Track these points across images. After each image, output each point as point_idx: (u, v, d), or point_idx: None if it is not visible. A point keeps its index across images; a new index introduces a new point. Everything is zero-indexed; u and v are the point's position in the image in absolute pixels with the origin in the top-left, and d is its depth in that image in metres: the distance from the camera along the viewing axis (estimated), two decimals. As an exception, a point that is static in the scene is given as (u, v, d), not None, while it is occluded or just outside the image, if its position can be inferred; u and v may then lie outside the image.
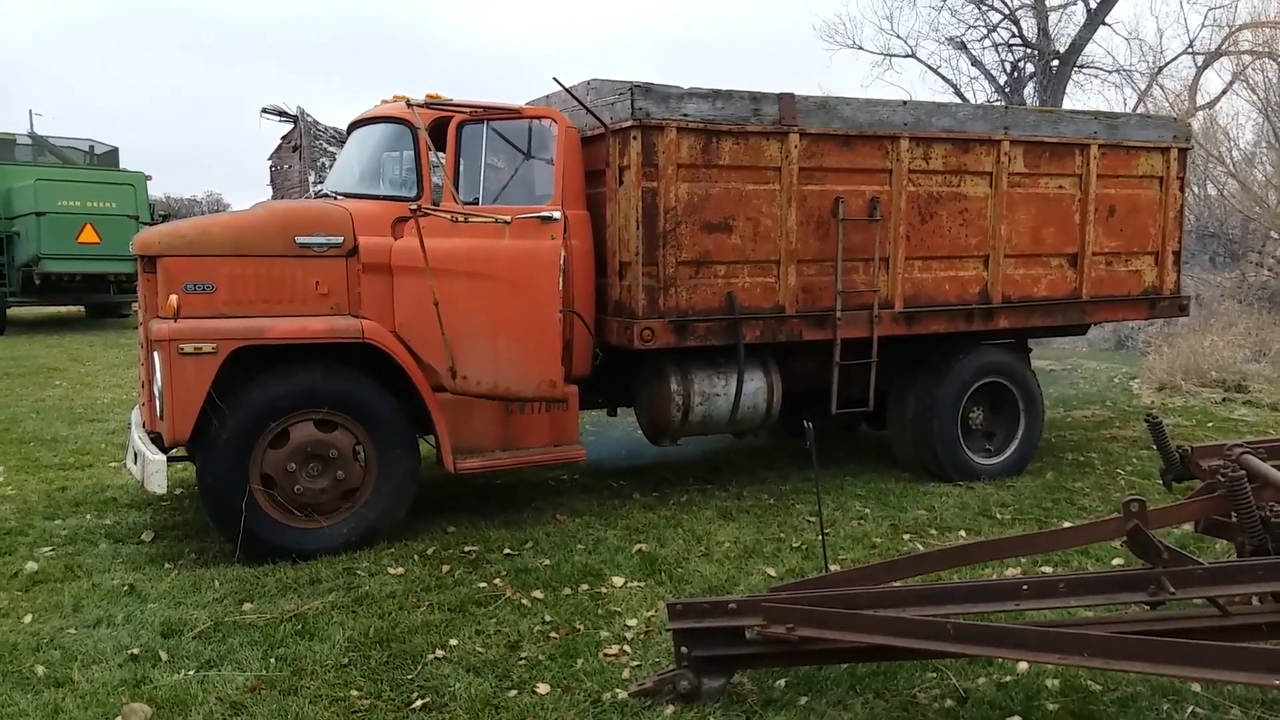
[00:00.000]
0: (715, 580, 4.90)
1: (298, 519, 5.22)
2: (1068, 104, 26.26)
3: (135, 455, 5.38)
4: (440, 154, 5.50)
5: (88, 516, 6.03)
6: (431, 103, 5.58)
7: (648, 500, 6.40)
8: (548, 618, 4.43)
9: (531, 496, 6.47)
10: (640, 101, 5.69)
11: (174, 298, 5.04)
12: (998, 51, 27.56)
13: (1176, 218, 7.63)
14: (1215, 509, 3.89)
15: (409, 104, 5.50)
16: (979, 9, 27.03)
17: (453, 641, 4.16)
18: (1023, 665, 3.81)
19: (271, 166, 20.72)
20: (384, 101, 6.14)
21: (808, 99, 6.23)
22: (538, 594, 4.71)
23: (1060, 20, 26.83)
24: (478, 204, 5.54)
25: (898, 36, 32.32)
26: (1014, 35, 27.16)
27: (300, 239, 5.34)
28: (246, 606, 4.55)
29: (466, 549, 5.33)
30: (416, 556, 5.21)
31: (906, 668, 3.81)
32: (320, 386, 5.24)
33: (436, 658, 4.02)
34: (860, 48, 28.95)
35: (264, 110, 17.25)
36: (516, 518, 5.94)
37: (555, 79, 5.89)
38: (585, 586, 4.82)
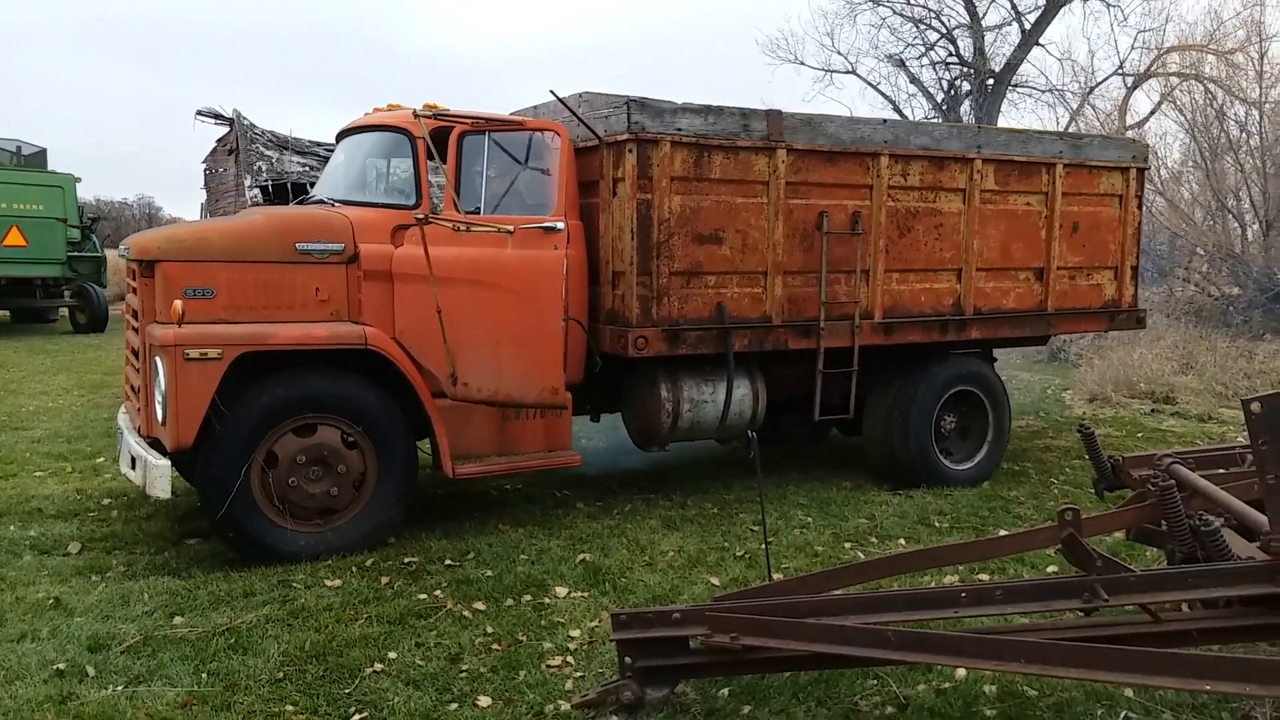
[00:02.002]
0: (659, 590, 4.89)
1: (288, 521, 5.21)
2: (1002, 122, 26.88)
3: (133, 460, 5.27)
4: (441, 164, 5.50)
5: (11, 527, 5.81)
6: (436, 113, 5.60)
7: (591, 510, 6.37)
8: (490, 629, 4.38)
9: (473, 506, 6.39)
10: (636, 115, 5.82)
11: (178, 303, 4.96)
12: (935, 70, 28.15)
13: (1134, 234, 7.96)
14: (1146, 517, 3.99)
15: (415, 115, 5.52)
16: (917, 28, 27.58)
17: (392, 654, 4.09)
18: (961, 672, 3.86)
19: (206, 170, 20.26)
20: (377, 109, 6.18)
21: (794, 115, 6.40)
22: (479, 605, 4.65)
23: (996, 40, 27.50)
24: (478, 213, 5.59)
25: (838, 53, 32.86)
26: (951, 54, 27.77)
27: (300, 245, 5.35)
28: (177, 620, 4.42)
29: (406, 560, 5.25)
30: (354, 568, 5.11)
31: (848, 675, 3.84)
32: (332, 393, 5.25)
33: (375, 671, 3.95)
34: (802, 63, 29.35)
35: (199, 112, 16.87)
36: (458, 528, 5.87)
37: (552, 91, 6.04)
38: (528, 597, 4.77)
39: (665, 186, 5.94)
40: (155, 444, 5.23)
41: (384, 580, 4.96)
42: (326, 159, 18.59)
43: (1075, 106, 29.07)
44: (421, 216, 5.27)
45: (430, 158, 5.52)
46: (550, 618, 4.52)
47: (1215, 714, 3.59)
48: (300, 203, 6.39)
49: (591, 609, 4.62)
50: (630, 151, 5.84)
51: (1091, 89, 29.37)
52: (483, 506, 6.41)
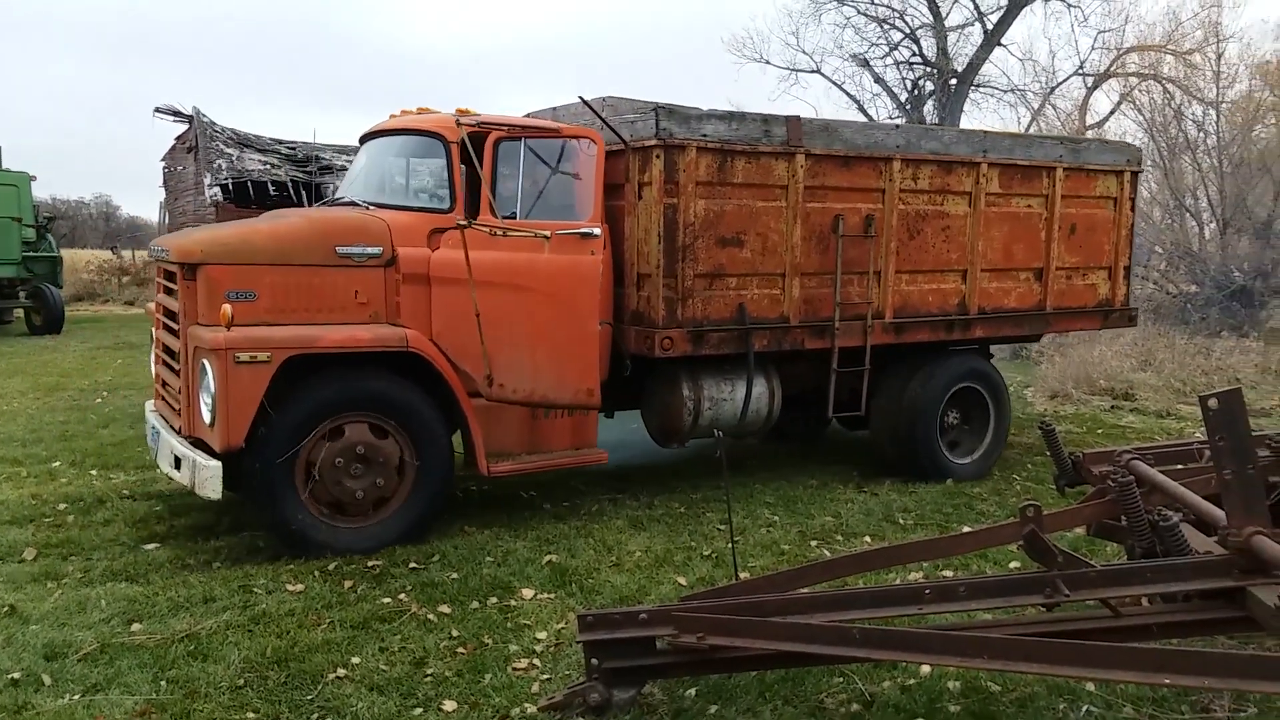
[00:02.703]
0: (626, 590, 4.88)
1: (336, 517, 5.34)
2: (965, 122, 27.14)
3: (177, 460, 5.31)
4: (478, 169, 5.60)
5: (-38, 535, 5.68)
6: (479, 121, 5.67)
7: (558, 510, 6.34)
8: (455, 632, 4.34)
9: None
10: (664, 122, 5.98)
11: (227, 307, 5.02)
12: (899, 69, 28.38)
13: (1128, 235, 8.23)
14: (1106, 513, 4.04)
15: (459, 123, 5.59)
16: (881, 28, 27.78)
17: (355, 660, 4.04)
18: (926, 668, 3.89)
19: (165, 168, 19.97)
20: (405, 112, 6.29)
21: (812, 121, 6.63)
22: (444, 608, 4.61)
23: (958, 40, 27.78)
24: (514, 218, 5.68)
25: (803, 52, 32.95)
26: (914, 54, 27.99)
27: (341, 249, 5.45)
28: (135, 627, 4.34)
29: (369, 564, 5.19)
30: (317, 572, 5.04)
31: (814, 673, 3.85)
32: (374, 393, 5.37)
33: (338, 677, 3.90)
34: (767, 62, 29.50)
35: (157, 109, 16.64)
36: (422, 530, 5.81)
37: (580, 97, 6.20)
38: (494, 599, 4.74)
39: (691, 191, 6.08)
40: (198, 444, 5.27)
41: (347, 584, 4.90)
42: (289, 157, 18.38)
43: (1036, 106, 29.40)
44: (464, 222, 5.37)
45: (465, 162, 5.61)
46: (516, 620, 4.49)
47: (1175, 707, 3.64)
48: (328, 203, 6.39)
49: (558, 611, 4.60)
50: (658, 157, 5.98)
51: (1052, 89, 29.73)
52: (447, 508, 6.33)
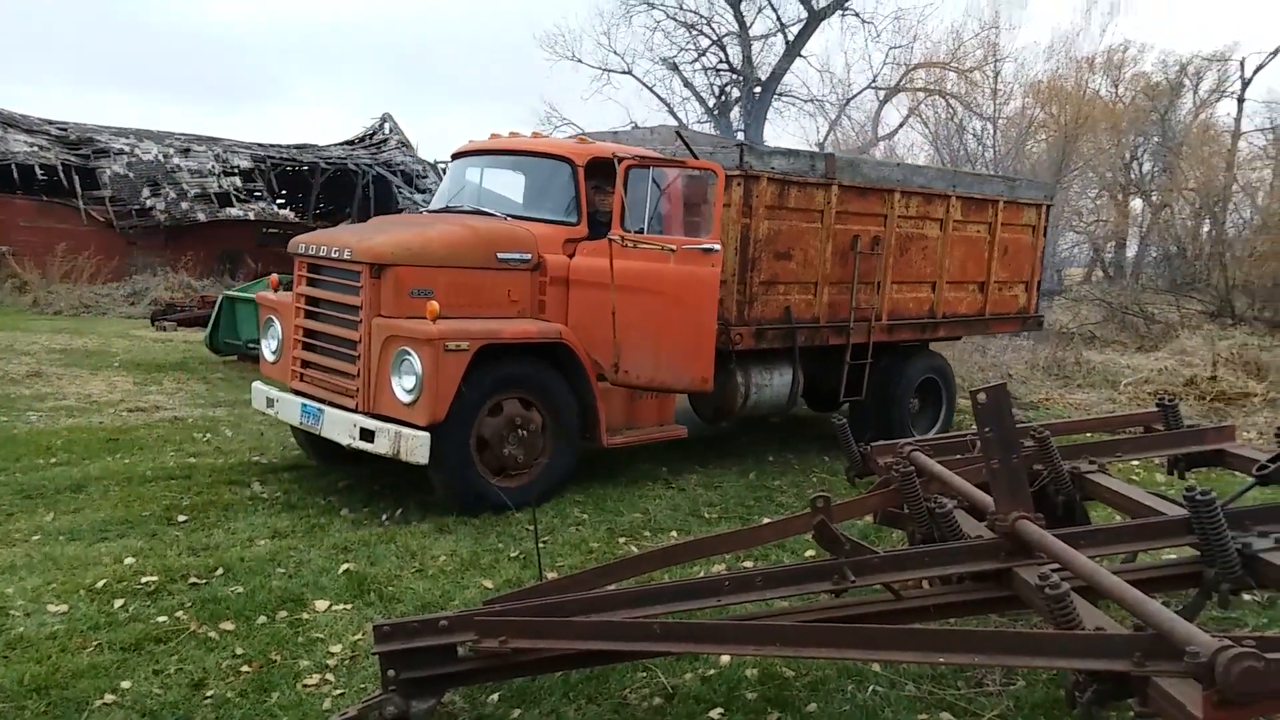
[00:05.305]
0: (429, 597, 4.73)
1: (497, 478, 6.23)
2: (768, 129, 28.17)
3: (365, 433, 5.95)
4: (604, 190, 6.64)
5: None
6: (636, 157, 6.56)
7: (358, 516, 6.09)
8: (239, 650, 4.07)
9: (222, 518, 5.94)
10: (747, 156, 7.24)
11: (434, 304, 5.89)
12: (707, 75, 29.15)
13: (1040, 256, 10.09)
14: (890, 502, 4.24)
15: (616, 157, 6.55)
16: (689, 33, 28.44)
17: (125, 684, 3.73)
18: (725, 658, 3.98)
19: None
20: (513, 134, 7.38)
21: (842, 157, 8.10)
22: (227, 625, 4.32)
23: (762, 49, 28.80)
24: (641, 234, 6.49)
25: (615, 53, 33.30)
26: (721, 61, 28.83)
27: (500, 255, 6.39)
28: None
29: (144, 580, 4.80)
30: (83, 591, 4.62)
31: (618, 670, 3.87)
32: (534, 377, 6.38)
33: (106, 703, 3.59)
34: (580, 61, 29.64)
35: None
36: (205, 542, 5.44)
37: (678, 132, 7.46)
38: (284, 613, 4.48)
39: (760, 213, 7.33)
40: (378, 418, 5.99)
41: (117, 603, 4.50)
42: (60, 139, 16.89)
43: (833, 117, 30.90)
44: (617, 237, 6.28)
45: (601, 187, 6.70)
46: (308, 634, 4.26)
47: (952, 683, 3.87)
48: (440, 210, 7.24)
49: (355, 622, 4.40)
50: (738, 184, 7.21)
51: (847, 100, 31.35)
52: (234, 518, 5.97)
